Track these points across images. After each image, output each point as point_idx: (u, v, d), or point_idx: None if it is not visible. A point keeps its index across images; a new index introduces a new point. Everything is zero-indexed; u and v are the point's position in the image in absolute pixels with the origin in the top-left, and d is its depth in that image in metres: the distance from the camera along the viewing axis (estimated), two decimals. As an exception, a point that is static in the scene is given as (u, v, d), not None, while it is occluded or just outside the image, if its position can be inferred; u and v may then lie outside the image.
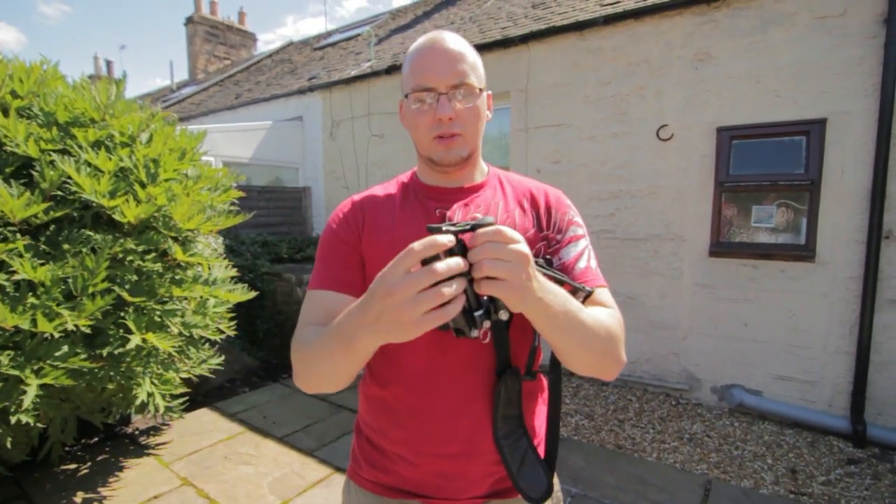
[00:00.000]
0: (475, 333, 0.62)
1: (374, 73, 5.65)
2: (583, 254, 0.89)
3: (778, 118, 3.34)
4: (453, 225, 0.61)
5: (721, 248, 3.58)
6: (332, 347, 0.69)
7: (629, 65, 3.90)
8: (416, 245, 0.55)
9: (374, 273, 0.79)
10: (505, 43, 4.53)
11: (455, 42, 0.85)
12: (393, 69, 5.46)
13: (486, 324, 0.64)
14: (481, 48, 4.70)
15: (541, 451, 0.92)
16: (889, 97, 2.94)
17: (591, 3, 4.48)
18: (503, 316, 0.65)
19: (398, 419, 0.89)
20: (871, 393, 3.14)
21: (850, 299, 3.17)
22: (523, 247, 0.61)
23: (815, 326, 3.30)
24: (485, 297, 0.64)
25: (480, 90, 0.87)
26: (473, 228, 0.60)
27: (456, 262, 0.55)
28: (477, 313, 0.62)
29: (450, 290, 0.55)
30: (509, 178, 1.00)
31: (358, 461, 0.97)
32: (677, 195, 3.75)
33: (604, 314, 0.80)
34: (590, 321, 0.74)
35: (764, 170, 3.40)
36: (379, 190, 0.97)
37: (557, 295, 0.69)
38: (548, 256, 0.89)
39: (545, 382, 0.99)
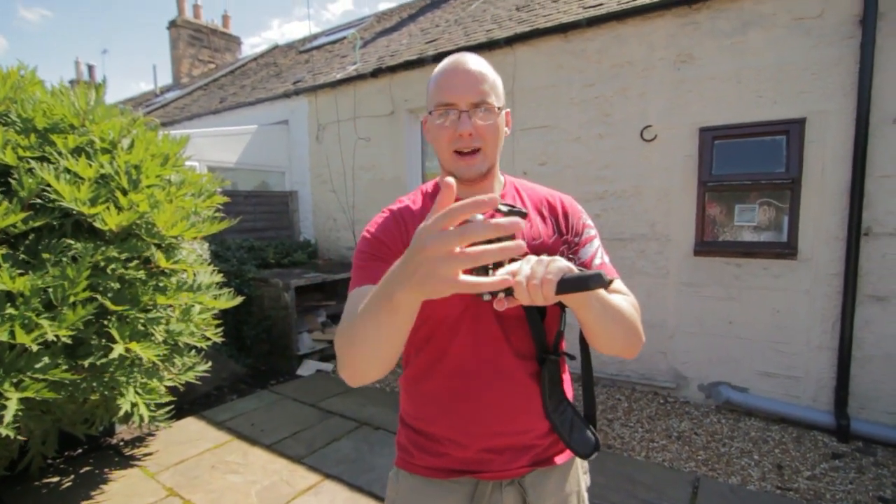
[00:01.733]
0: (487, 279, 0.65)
1: (360, 76, 5.64)
2: (597, 252, 1.01)
3: (759, 118, 3.39)
4: (509, 206, 0.72)
5: (705, 247, 3.62)
6: (375, 310, 0.69)
7: (613, 66, 3.93)
8: (456, 204, 0.55)
9: None
10: (490, 45, 4.54)
11: (476, 63, 0.94)
12: (378, 72, 5.45)
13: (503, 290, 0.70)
14: (466, 51, 4.71)
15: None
16: (866, 96, 3.00)
17: (575, 6, 4.51)
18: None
19: (444, 407, 0.96)
20: (854, 387, 3.19)
21: (832, 295, 3.23)
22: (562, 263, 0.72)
23: (798, 323, 3.36)
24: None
25: (499, 109, 0.95)
26: (521, 214, 0.72)
27: (491, 226, 0.54)
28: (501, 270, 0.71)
29: (484, 254, 0.55)
30: (524, 186, 1.10)
31: (408, 451, 1.02)
32: (662, 195, 3.79)
33: (623, 301, 0.92)
34: (617, 307, 0.86)
35: (746, 169, 3.45)
36: (409, 202, 1.03)
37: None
38: (571, 256, 0.99)
39: (565, 362, 1.07)
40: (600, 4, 4.20)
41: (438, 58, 4.92)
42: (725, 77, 3.48)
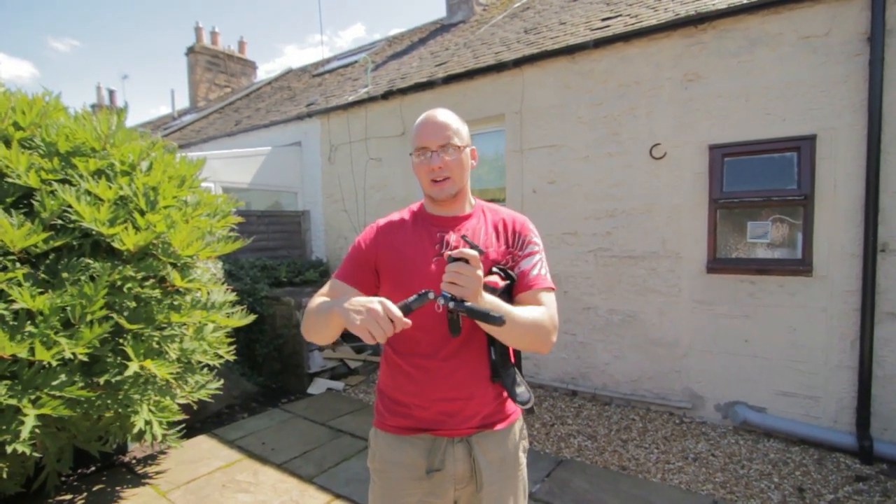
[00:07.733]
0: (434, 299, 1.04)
1: (371, 99, 5.75)
2: (536, 264, 1.26)
3: (768, 135, 3.39)
4: (470, 242, 1.08)
5: (718, 264, 3.59)
6: (321, 313, 1.15)
7: (620, 86, 3.98)
8: (391, 309, 0.99)
9: (387, 275, 1.28)
10: (499, 67, 4.62)
11: (444, 116, 1.25)
12: (389, 94, 5.55)
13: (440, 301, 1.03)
14: (475, 73, 4.80)
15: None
16: (876, 112, 3.00)
17: (582, 28, 4.59)
18: (440, 301, 1.04)
19: (412, 378, 1.25)
20: (876, 407, 3.11)
21: (850, 313, 3.17)
22: (479, 273, 1.04)
23: (815, 341, 3.29)
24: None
25: (463, 147, 1.25)
26: (476, 248, 1.05)
27: (389, 311, 0.97)
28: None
29: (378, 327, 0.97)
30: (490, 208, 1.37)
31: (383, 414, 1.32)
32: (672, 212, 3.78)
33: (535, 311, 1.17)
34: (515, 316, 1.11)
35: (757, 186, 3.44)
36: (396, 216, 1.36)
37: (492, 302, 1.10)
38: (510, 264, 1.27)
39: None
40: (607, 26, 4.27)
41: (448, 80, 5.01)
42: (733, 95, 3.50)
